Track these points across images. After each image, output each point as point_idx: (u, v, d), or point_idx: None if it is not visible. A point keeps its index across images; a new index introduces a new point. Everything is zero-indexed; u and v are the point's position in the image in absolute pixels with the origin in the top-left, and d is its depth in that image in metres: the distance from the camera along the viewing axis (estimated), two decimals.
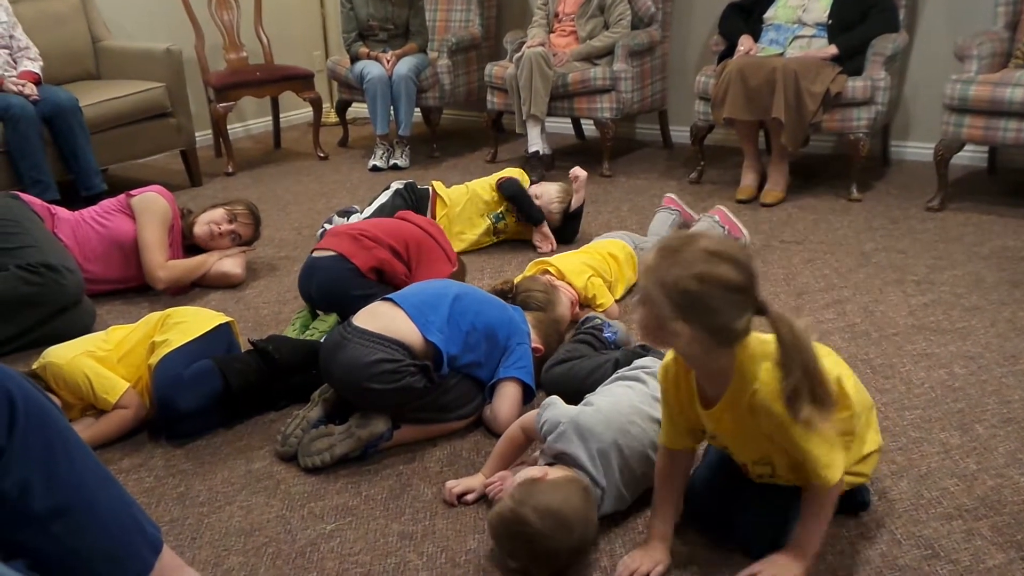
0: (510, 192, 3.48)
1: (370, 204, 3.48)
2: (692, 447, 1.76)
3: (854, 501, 1.83)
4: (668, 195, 3.48)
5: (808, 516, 1.62)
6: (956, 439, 2.12)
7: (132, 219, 3.13)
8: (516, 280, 2.70)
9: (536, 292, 2.58)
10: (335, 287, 2.64)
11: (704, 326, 1.48)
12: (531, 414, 1.94)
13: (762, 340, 1.54)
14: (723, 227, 3.29)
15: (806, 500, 1.62)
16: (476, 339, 2.21)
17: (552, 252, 3.36)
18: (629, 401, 1.91)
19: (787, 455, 1.60)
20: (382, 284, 2.67)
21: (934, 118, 3.93)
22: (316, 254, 2.77)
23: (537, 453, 1.97)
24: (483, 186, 3.56)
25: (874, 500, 1.89)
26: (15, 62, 3.99)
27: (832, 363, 1.67)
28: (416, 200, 3.47)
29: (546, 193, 3.52)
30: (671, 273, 1.46)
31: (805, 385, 1.46)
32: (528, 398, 2.27)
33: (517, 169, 3.64)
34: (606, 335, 2.46)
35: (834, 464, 1.57)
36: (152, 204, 3.15)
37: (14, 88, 3.78)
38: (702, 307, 1.46)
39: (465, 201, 3.51)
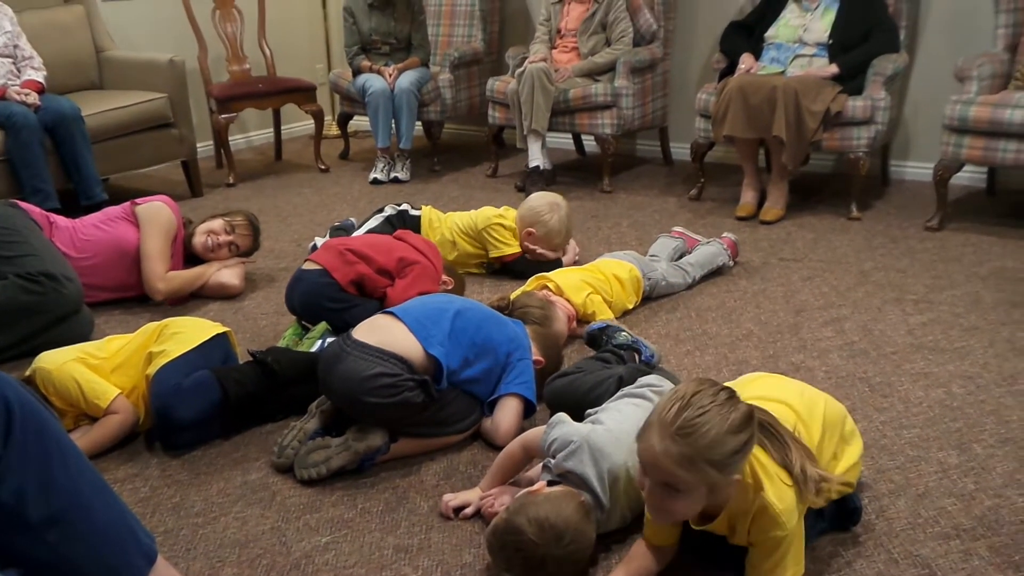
0: (521, 273, 3.27)
1: (361, 226, 3.41)
2: (675, 544, 1.73)
3: (846, 508, 1.83)
4: (676, 228, 3.50)
5: None
6: (954, 458, 2.12)
7: (135, 227, 3.13)
8: (513, 296, 2.69)
9: (533, 308, 2.57)
10: (313, 299, 2.73)
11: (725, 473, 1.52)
12: (534, 431, 1.93)
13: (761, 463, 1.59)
14: (726, 249, 3.35)
15: None
16: (476, 355, 2.21)
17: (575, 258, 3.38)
18: (638, 421, 1.89)
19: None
20: (363, 297, 2.75)
21: (934, 138, 3.94)
22: (304, 266, 2.83)
23: (538, 469, 1.95)
24: (469, 242, 3.36)
25: (871, 519, 1.89)
26: (19, 71, 4.00)
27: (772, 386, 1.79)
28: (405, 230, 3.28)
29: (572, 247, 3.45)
30: (699, 448, 1.48)
31: (801, 455, 1.59)
32: (529, 413, 2.26)
33: (501, 211, 3.38)
34: (645, 357, 2.45)
35: None
36: (157, 214, 3.16)
37: (17, 97, 3.80)
38: (726, 463, 1.50)
39: (455, 256, 3.34)
